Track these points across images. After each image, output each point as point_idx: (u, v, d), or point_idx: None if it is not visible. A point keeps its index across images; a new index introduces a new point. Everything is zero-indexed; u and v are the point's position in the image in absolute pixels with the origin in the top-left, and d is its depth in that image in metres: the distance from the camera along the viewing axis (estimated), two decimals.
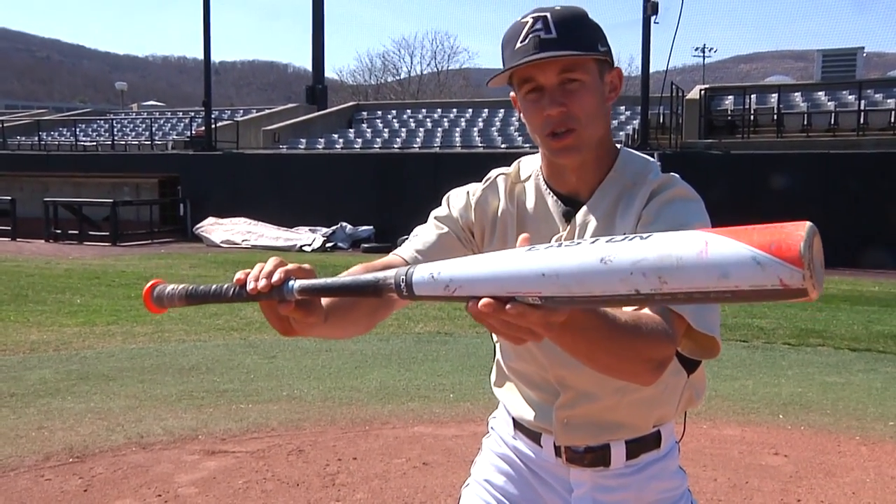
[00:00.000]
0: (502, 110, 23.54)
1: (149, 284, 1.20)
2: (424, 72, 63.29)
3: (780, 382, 6.20)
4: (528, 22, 1.42)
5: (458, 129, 22.68)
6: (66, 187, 22.15)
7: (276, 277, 1.09)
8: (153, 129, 27.67)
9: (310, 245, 17.36)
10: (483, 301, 0.95)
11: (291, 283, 1.09)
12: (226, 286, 1.14)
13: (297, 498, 3.93)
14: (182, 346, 7.46)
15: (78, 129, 29.24)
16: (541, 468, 1.65)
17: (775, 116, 19.30)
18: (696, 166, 14.82)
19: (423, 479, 4.18)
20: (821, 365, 6.83)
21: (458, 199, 1.64)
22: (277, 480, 4.14)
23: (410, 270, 1.01)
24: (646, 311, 1.24)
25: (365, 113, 26.55)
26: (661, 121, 20.10)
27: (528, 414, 1.64)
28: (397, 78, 61.75)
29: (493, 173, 1.66)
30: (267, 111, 29.17)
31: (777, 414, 5.35)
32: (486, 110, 24.56)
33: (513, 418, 1.69)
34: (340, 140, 23.06)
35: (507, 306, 0.94)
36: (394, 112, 26.30)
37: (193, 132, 24.88)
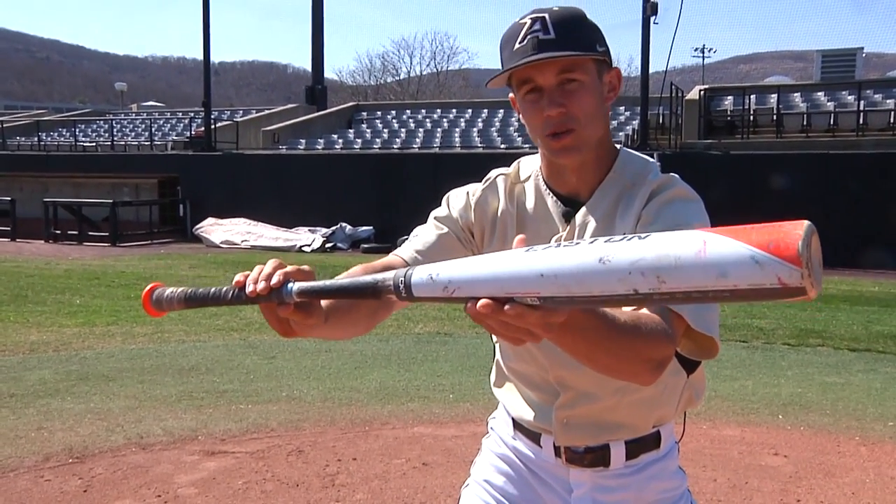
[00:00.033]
0: (502, 111, 23.55)
1: (148, 288, 1.20)
2: (424, 72, 63.34)
3: (780, 383, 6.20)
4: (526, 23, 1.42)
5: (457, 130, 22.69)
6: (66, 188, 22.15)
7: (274, 280, 1.09)
8: (153, 129, 27.67)
9: (309, 245, 17.35)
10: (481, 302, 0.95)
11: (290, 285, 1.09)
12: (225, 289, 1.15)
13: (297, 498, 3.93)
14: (182, 346, 7.46)
15: (77, 130, 29.25)
16: (540, 468, 1.65)
17: (775, 117, 19.32)
18: (696, 167, 14.82)
19: (422, 479, 4.18)
20: (820, 365, 6.83)
21: (457, 200, 1.64)
22: (277, 481, 4.14)
23: (409, 272, 1.01)
24: (645, 311, 1.24)
25: (364, 113, 26.56)
26: (661, 121, 20.11)
27: (527, 414, 1.64)
28: (397, 78, 61.78)
29: (492, 173, 1.66)
30: (266, 111, 29.17)
31: (777, 414, 5.36)
32: (485, 111, 24.57)
33: (512, 419, 1.69)
34: (340, 140, 23.07)
35: (506, 307, 0.94)
36: (393, 112, 26.31)
37: (193, 133, 24.86)
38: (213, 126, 22.28)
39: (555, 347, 1.13)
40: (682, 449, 1.72)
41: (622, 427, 1.58)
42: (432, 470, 4.31)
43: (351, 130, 24.41)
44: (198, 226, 19.29)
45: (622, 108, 22.44)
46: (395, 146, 21.79)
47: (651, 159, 1.59)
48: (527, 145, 17.54)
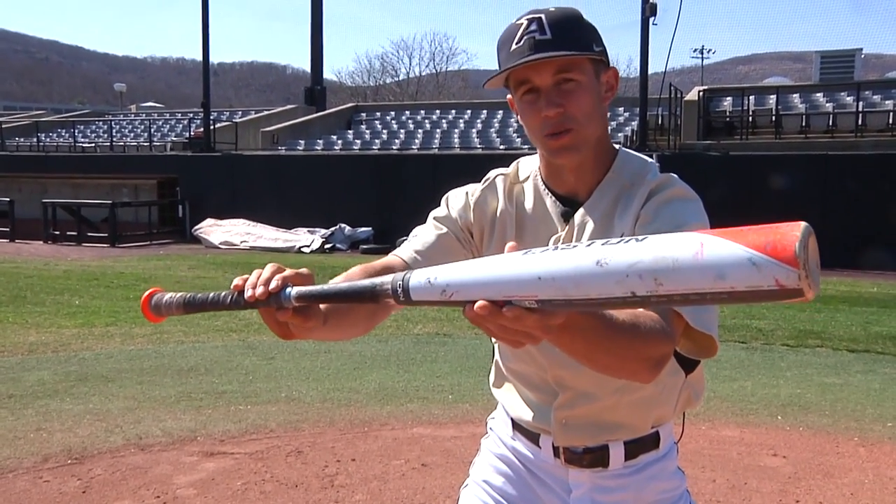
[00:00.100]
0: (501, 111, 23.57)
1: (146, 293, 1.21)
2: (423, 73, 63.44)
3: (779, 383, 6.20)
4: (522, 24, 1.42)
5: (456, 131, 22.70)
6: (65, 188, 22.15)
7: (273, 285, 1.09)
8: (152, 130, 27.65)
9: (308, 246, 17.34)
10: (479, 304, 0.95)
11: (289, 289, 1.09)
12: (223, 294, 1.15)
13: (296, 499, 3.93)
14: (181, 347, 7.46)
15: (77, 131, 29.24)
16: (539, 469, 1.65)
17: (774, 117, 19.34)
18: (695, 167, 14.82)
19: (421, 480, 4.18)
20: (819, 366, 6.84)
21: (456, 200, 1.64)
22: (276, 482, 4.14)
23: (407, 276, 1.01)
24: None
25: (364, 114, 26.57)
26: (660, 122, 20.12)
27: (526, 415, 1.64)
28: (396, 79, 61.86)
29: (491, 174, 1.66)
30: (266, 112, 29.18)
31: (776, 415, 5.36)
32: (484, 111, 24.60)
33: (511, 419, 1.69)
34: (339, 141, 23.07)
35: (504, 310, 0.95)
36: (392, 113, 26.32)
37: (192, 133, 24.84)
38: (212, 127, 22.29)
39: (553, 348, 1.13)
40: (682, 450, 1.73)
41: (621, 427, 1.58)
42: (431, 471, 4.31)
43: (350, 131, 24.42)
44: (197, 227, 19.29)
45: (621, 109, 22.46)
46: (394, 147, 21.80)
47: (650, 159, 1.59)
48: (526, 146, 17.55)
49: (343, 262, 9.92)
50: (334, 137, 23.45)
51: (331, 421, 5.19)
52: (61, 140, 29.32)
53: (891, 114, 18.53)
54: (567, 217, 1.54)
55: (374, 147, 22.07)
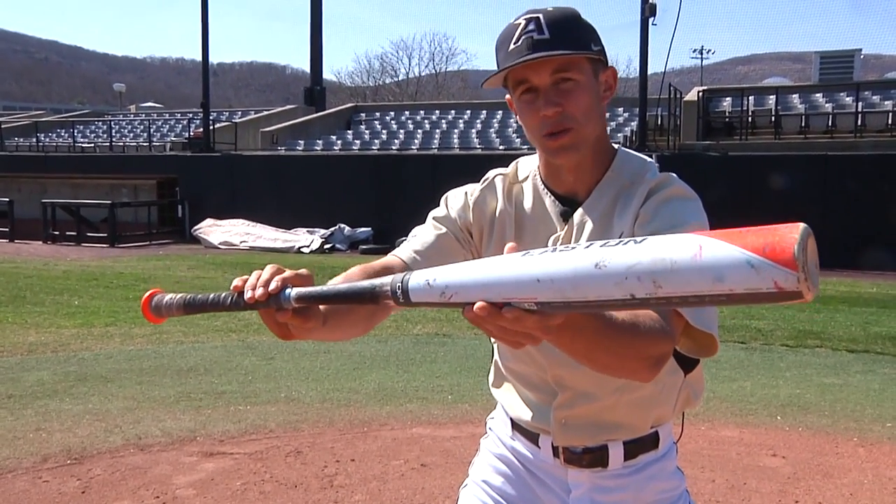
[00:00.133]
0: (500, 112, 23.58)
1: (147, 294, 1.21)
2: (423, 73, 63.42)
3: (778, 384, 6.20)
4: (520, 24, 1.43)
5: (456, 131, 22.71)
6: (65, 189, 22.13)
7: (272, 286, 1.10)
8: (151, 130, 27.64)
9: (308, 246, 17.34)
10: (478, 305, 0.96)
11: (289, 290, 1.09)
12: (223, 295, 1.15)
13: (296, 499, 3.93)
14: (180, 347, 7.46)
15: (76, 131, 29.25)
16: (539, 469, 1.65)
17: (773, 118, 19.35)
18: (695, 168, 14.82)
19: (421, 480, 4.18)
20: (819, 366, 6.84)
21: (456, 200, 1.64)
22: (276, 482, 4.14)
23: (406, 277, 1.01)
24: None
25: (363, 114, 26.58)
26: (660, 122, 20.13)
27: (525, 414, 1.64)
28: (395, 79, 61.84)
29: (490, 174, 1.66)
30: (265, 112, 29.19)
31: (775, 415, 5.36)
32: (484, 112, 24.60)
33: (511, 419, 1.69)
34: (339, 141, 23.07)
35: (503, 311, 0.95)
36: (392, 113, 26.33)
37: (192, 133, 24.85)
38: (211, 127, 22.29)
39: (553, 347, 1.13)
40: (681, 450, 1.73)
41: (620, 427, 1.58)
42: (431, 471, 4.31)
43: (349, 131, 24.42)
44: (196, 227, 19.28)
45: (621, 110, 22.47)
46: (393, 147, 21.80)
47: (649, 159, 1.59)
48: (525, 146, 17.55)
49: (342, 263, 9.92)
50: (334, 138, 23.45)
51: (330, 421, 5.19)
52: (61, 140, 29.32)
53: (890, 114, 18.55)
54: (566, 217, 1.54)
55: (374, 147, 22.07)
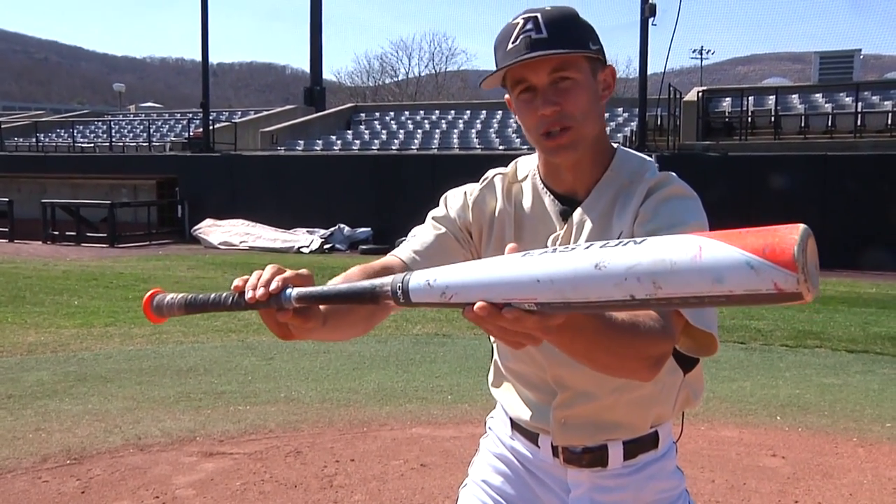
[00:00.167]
0: (500, 112, 23.58)
1: (148, 294, 1.21)
2: (422, 73, 63.38)
3: (778, 384, 6.20)
4: (518, 23, 1.43)
5: (455, 131, 22.71)
6: (64, 189, 22.13)
7: (273, 286, 1.10)
8: (151, 130, 27.63)
9: (308, 247, 17.34)
10: (478, 305, 0.96)
11: (289, 291, 1.09)
12: (224, 294, 1.15)
13: (295, 499, 3.93)
14: (180, 347, 7.46)
15: (76, 131, 29.22)
16: (538, 468, 1.65)
17: (773, 118, 19.36)
18: (694, 168, 14.82)
19: (420, 480, 4.18)
20: (818, 366, 6.84)
21: (455, 200, 1.64)
22: (275, 482, 4.14)
23: (407, 277, 1.01)
24: None
25: (363, 114, 26.58)
26: (659, 123, 20.13)
27: (525, 414, 1.64)
28: (395, 80, 61.82)
29: (490, 173, 1.66)
30: (265, 113, 29.17)
31: (774, 415, 5.36)
32: (483, 112, 24.60)
33: (510, 418, 1.69)
34: (338, 142, 23.07)
35: (503, 311, 0.95)
36: (392, 114, 26.33)
37: (191, 134, 24.84)
38: (211, 127, 22.28)
39: (553, 347, 1.13)
40: (681, 450, 1.73)
41: (620, 427, 1.58)
42: (430, 471, 4.31)
43: (349, 132, 24.42)
44: (196, 227, 19.28)
45: (620, 110, 22.47)
46: (393, 147, 21.80)
47: (648, 158, 1.59)
48: (525, 146, 17.54)
49: (342, 263, 9.91)
50: (333, 138, 23.45)
51: (330, 421, 5.19)
52: (60, 140, 29.31)
53: (889, 114, 18.56)
54: (565, 216, 1.54)
55: (374, 147, 22.07)
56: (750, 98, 20.21)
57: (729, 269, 0.82)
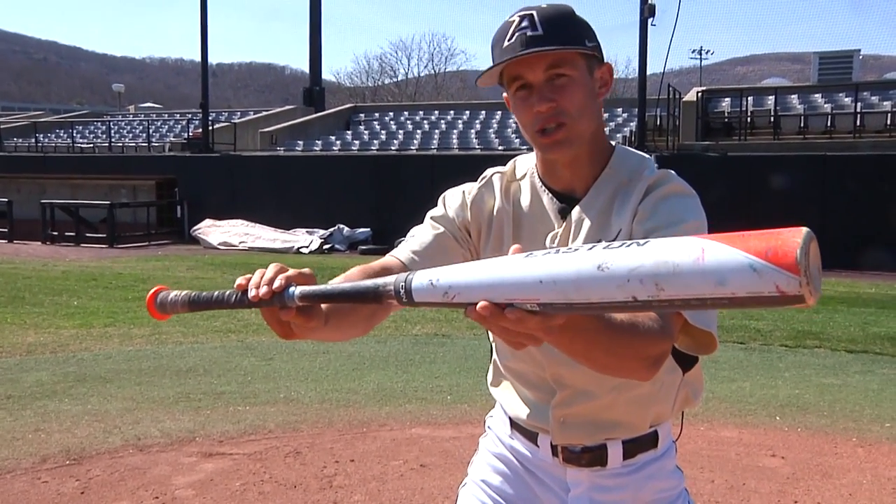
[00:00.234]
0: (499, 112, 23.58)
1: (152, 291, 1.21)
2: (422, 74, 63.40)
3: (777, 384, 6.21)
4: (514, 21, 1.43)
5: (455, 131, 22.71)
6: (63, 189, 22.13)
7: (277, 284, 1.10)
8: (150, 130, 27.64)
9: (307, 247, 17.34)
10: (480, 304, 0.96)
11: (292, 289, 1.09)
12: (227, 293, 1.15)
13: (295, 500, 3.92)
14: (179, 348, 7.46)
15: (75, 131, 29.20)
16: (537, 468, 1.65)
17: (772, 118, 19.37)
18: (693, 168, 14.78)
19: (420, 480, 4.18)
20: (818, 367, 6.84)
21: (453, 199, 1.64)
22: (275, 482, 4.14)
23: (409, 277, 1.01)
24: None
25: (362, 115, 26.58)
26: (658, 123, 20.13)
27: (524, 413, 1.64)
28: (394, 80, 61.82)
29: (488, 172, 1.66)
30: (264, 113, 29.17)
31: (774, 416, 5.36)
32: (483, 112, 24.61)
33: (509, 418, 1.69)
34: (338, 142, 23.08)
35: (506, 312, 0.95)
36: (391, 114, 26.33)
37: (191, 134, 24.83)
38: (210, 127, 22.28)
39: (552, 346, 1.13)
40: (680, 450, 1.73)
41: (619, 426, 1.58)
42: (430, 471, 4.31)
43: (349, 132, 24.43)
44: (195, 227, 19.28)
45: (619, 110, 22.48)
46: (392, 148, 21.81)
47: (647, 156, 1.59)
48: (524, 146, 17.55)
49: (342, 263, 9.92)
50: (333, 138, 23.46)
51: (329, 422, 5.19)
52: (60, 141, 29.30)
53: (889, 115, 18.57)
54: (564, 214, 1.53)
55: (373, 148, 22.08)
56: (749, 98, 20.21)
57: (731, 272, 0.82)
